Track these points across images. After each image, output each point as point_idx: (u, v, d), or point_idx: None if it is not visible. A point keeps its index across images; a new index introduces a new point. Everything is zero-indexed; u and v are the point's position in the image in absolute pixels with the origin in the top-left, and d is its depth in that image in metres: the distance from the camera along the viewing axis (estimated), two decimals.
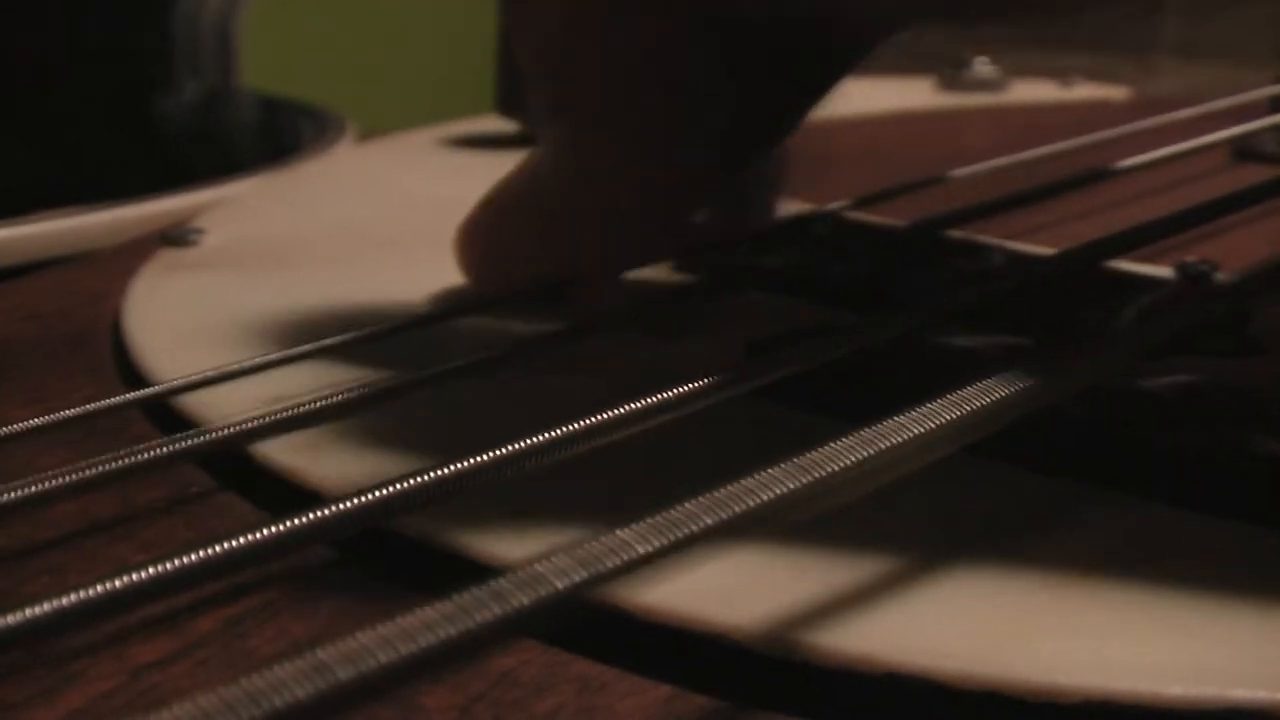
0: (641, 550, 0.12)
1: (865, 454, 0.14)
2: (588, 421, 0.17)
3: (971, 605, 0.16)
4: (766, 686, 0.15)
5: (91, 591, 0.14)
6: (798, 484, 0.14)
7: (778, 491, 0.13)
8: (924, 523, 0.18)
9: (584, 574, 0.12)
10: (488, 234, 0.26)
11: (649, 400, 0.17)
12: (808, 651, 0.15)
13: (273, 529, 0.14)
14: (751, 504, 0.13)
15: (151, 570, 0.14)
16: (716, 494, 0.13)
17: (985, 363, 0.17)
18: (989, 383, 0.16)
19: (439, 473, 0.16)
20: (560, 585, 0.12)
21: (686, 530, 0.13)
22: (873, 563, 0.16)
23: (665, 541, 0.13)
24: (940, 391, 0.16)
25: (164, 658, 0.15)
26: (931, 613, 0.15)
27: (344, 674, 0.10)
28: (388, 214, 0.35)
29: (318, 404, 0.19)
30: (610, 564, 0.12)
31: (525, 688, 0.15)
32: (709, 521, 0.13)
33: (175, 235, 0.32)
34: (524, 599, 0.11)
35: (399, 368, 0.20)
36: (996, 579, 0.16)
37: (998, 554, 0.17)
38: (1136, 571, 0.16)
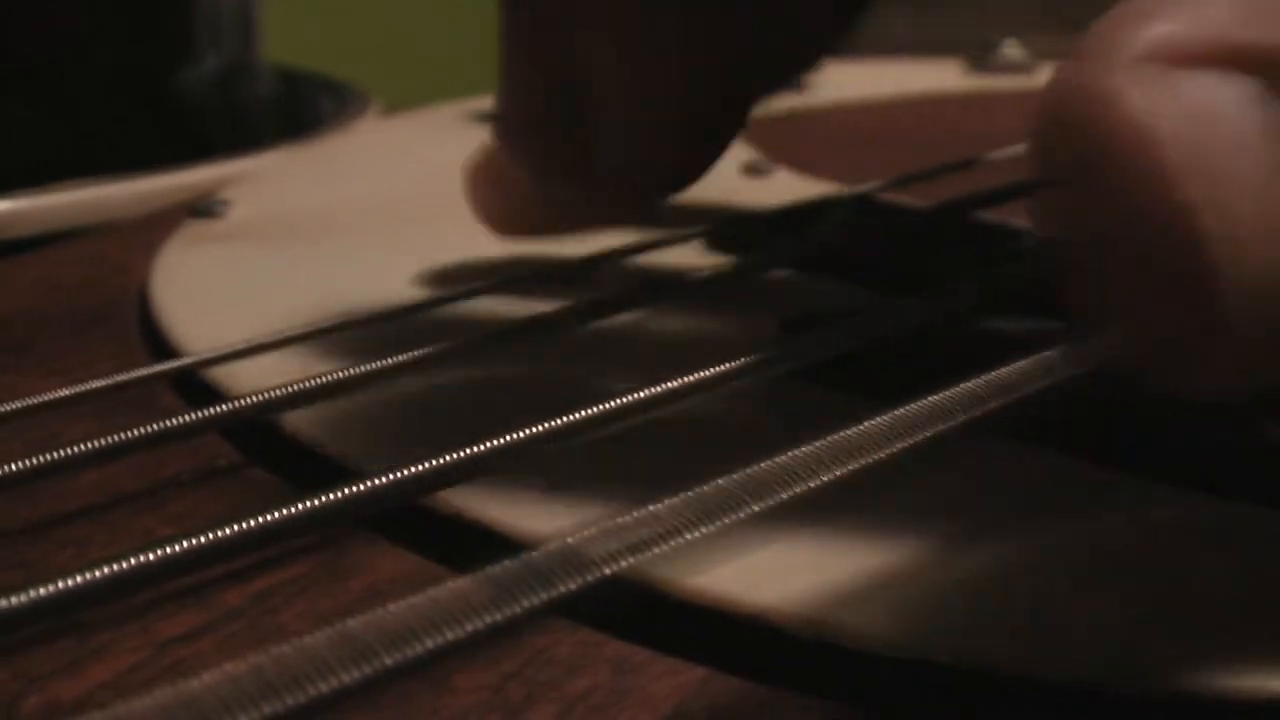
0: (680, 528, 0.12)
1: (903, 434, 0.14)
2: (622, 399, 0.17)
3: (1007, 590, 0.15)
4: (801, 669, 0.15)
5: (120, 565, 0.13)
6: (837, 462, 0.13)
7: (819, 471, 0.13)
8: (959, 506, 0.17)
9: (623, 551, 0.12)
10: (495, 168, 0.26)
11: (685, 378, 0.17)
12: (842, 634, 0.15)
13: (305, 504, 0.14)
14: (791, 481, 0.13)
15: (181, 544, 0.14)
16: (755, 471, 0.13)
17: (1020, 346, 0.16)
18: (1026, 367, 0.16)
19: (471, 449, 0.15)
20: (599, 562, 0.12)
21: (723, 507, 0.13)
22: (909, 546, 0.16)
23: (703, 518, 0.12)
24: (977, 373, 0.15)
25: (191, 632, 0.15)
26: (967, 597, 0.15)
27: (375, 646, 0.10)
28: (415, 189, 0.35)
29: (347, 377, 0.19)
30: (649, 540, 0.12)
31: (558, 667, 0.14)
32: (747, 498, 0.13)
33: (202, 207, 0.32)
34: (559, 574, 0.11)
35: (429, 342, 0.20)
36: (1031, 564, 0.16)
37: (1032, 538, 0.17)
38: (1171, 557, 0.16)
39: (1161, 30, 0.13)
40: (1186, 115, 0.13)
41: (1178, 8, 0.14)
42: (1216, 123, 0.13)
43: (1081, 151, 0.13)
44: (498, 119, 0.25)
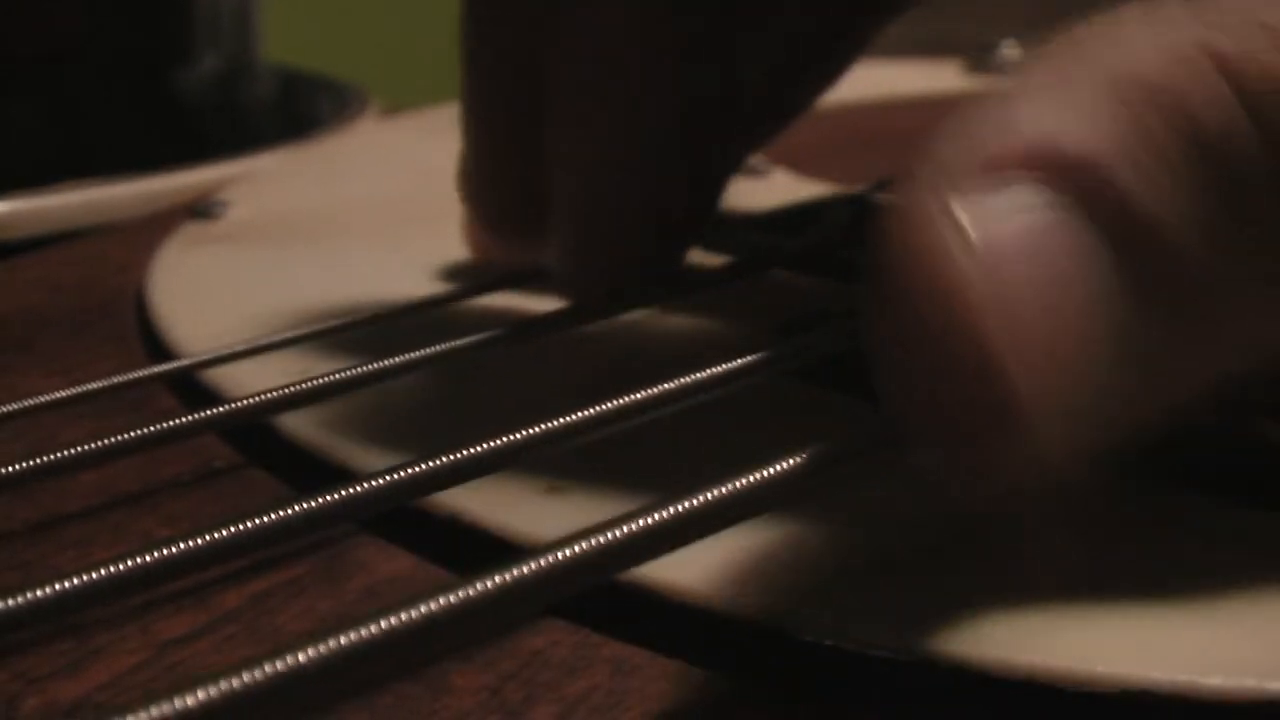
0: (678, 528, 0.12)
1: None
2: (620, 401, 0.17)
3: (1008, 591, 0.15)
4: (800, 671, 0.15)
5: (118, 566, 0.13)
6: (835, 464, 0.13)
7: (817, 472, 0.13)
8: (959, 506, 0.17)
9: (622, 551, 0.12)
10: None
11: (685, 379, 0.17)
12: (842, 635, 0.15)
13: (303, 505, 0.14)
14: (790, 483, 0.13)
15: (179, 545, 0.14)
16: (754, 473, 0.13)
17: None
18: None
19: (470, 450, 0.15)
20: (588, 564, 0.12)
21: (723, 508, 0.13)
22: (907, 547, 0.16)
23: (702, 519, 0.12)
24: None
25: (190, 633, 0.15)
26: (967, 598, 0.15)
27: (374, 646, 0.10)
28: (415, 189, 0.35)
29: (345, 378, 0.19)
30: (647, 541, 0.12)
31: (557, 669, 0.14)
32: (746, 500, 0.13)
33: (201, 207, 0.32)
34: (550, 578, 0.11)
35: (427, 342, 0.20)
36: (1030, 565, 0.16)
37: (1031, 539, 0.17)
38: (1173, 561, 0.16)
39: (982, 139, 0.13)
40: (991, 246, 0.13)
41: (1012, 110, 0.13)
42: (1022, 249, 0.13)
43: (897, 277, 0.13)
44: (462, 175, 0.25)
